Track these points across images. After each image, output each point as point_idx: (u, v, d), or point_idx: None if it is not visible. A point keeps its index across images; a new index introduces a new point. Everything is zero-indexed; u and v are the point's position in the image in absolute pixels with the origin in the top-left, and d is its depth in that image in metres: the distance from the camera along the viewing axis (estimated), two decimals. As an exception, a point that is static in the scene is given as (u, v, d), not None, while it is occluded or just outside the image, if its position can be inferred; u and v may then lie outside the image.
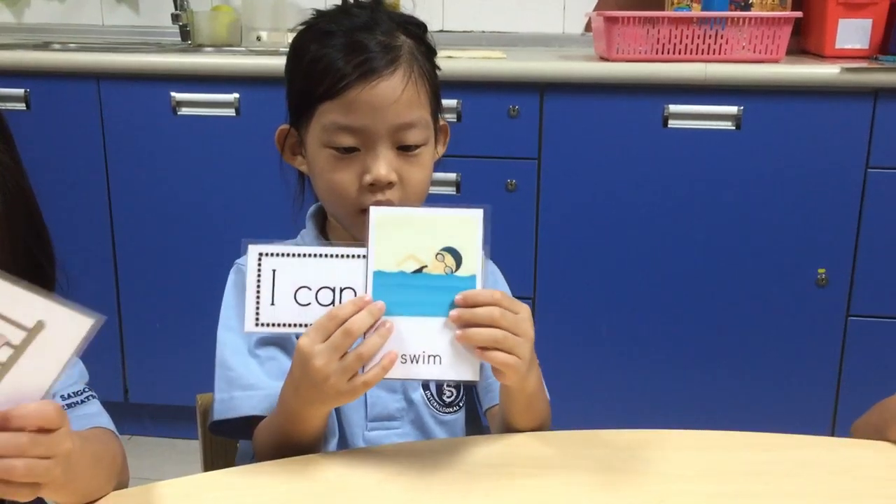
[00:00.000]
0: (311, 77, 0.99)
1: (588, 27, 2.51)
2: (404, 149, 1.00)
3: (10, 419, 0.63)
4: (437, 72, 1.06)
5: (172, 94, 2.10)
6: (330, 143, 0.99)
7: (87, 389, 0.93)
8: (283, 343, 1.02)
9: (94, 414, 0.91)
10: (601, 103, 2.03)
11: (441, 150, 1.09)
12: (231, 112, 2.11)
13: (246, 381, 0.98)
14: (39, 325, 0.61)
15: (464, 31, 2.55)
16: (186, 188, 2.16)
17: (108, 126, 2.13)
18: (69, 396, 0.90)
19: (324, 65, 0.98)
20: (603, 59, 2.12)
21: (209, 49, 2.51)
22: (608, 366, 2.16)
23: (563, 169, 2.06)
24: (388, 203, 0.98)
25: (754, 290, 2.09)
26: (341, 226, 1.05)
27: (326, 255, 0.81)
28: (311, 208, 1.11)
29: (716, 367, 2.14)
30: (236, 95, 2.09)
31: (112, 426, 0.92)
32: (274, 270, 0.80)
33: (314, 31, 1.02)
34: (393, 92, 0.98)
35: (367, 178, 0.98)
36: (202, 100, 2.11)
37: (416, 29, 1.04)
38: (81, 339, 0.63)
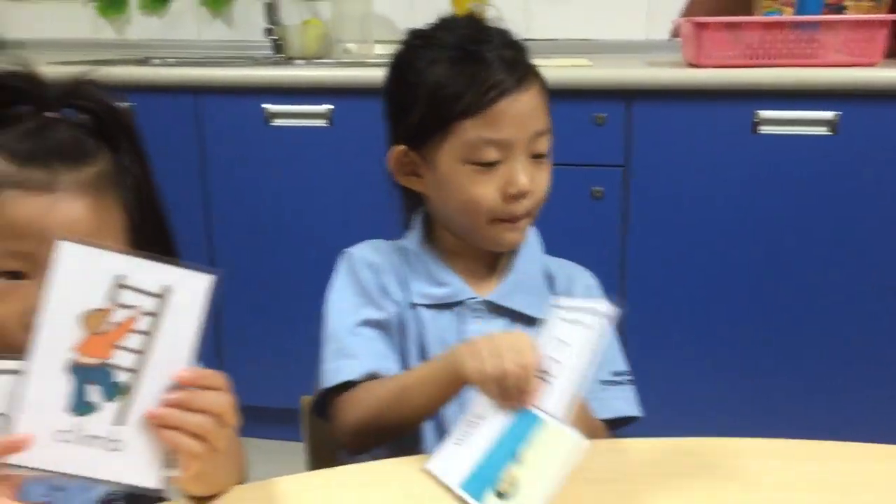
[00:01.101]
0: (442, 97, 1.01)
1: (674, 33, 2.49)
2: (536, 156, 1.04)
3: (192, 379, 0.66)
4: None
5: (265, 105, 2.17)
6: (473, 158, 1.02)
7: None
8: (384, 326, 1.06)
9: None
10: (689, 110, 2.01)
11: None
12: (323, 123, 2.16)
13: (350, 351, 1.03)
14: (168, 290, 0.64)
15: (548, 40, 2.56)
16: (280, 197, 2.23)
17: (205, 138, 2.22)
18: None
19: (460, 84, 1.00)
20: (691, 65, 2.10)
21: (300, 62, 2.58)
22: (699, 377, 2.13)
23: (652, 176, 2.04)
24: (523, 212, 1.04)
25: (851, 298, 2.04)
26: (467, 239, 1.08)
27: None
28: (421, 210, 1.14)
29: (805, 375, 2.09)
30: (329, 107, 2.15)
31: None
32: None
33: (429, 51, 1.04)
34: (530, 101, 1.02)
35: (512, 190, 1.02)
36: (295, 111, 2.17)
37: (518, 44, 1.06)
38: (206, 296, 0.65)
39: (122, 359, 0.64)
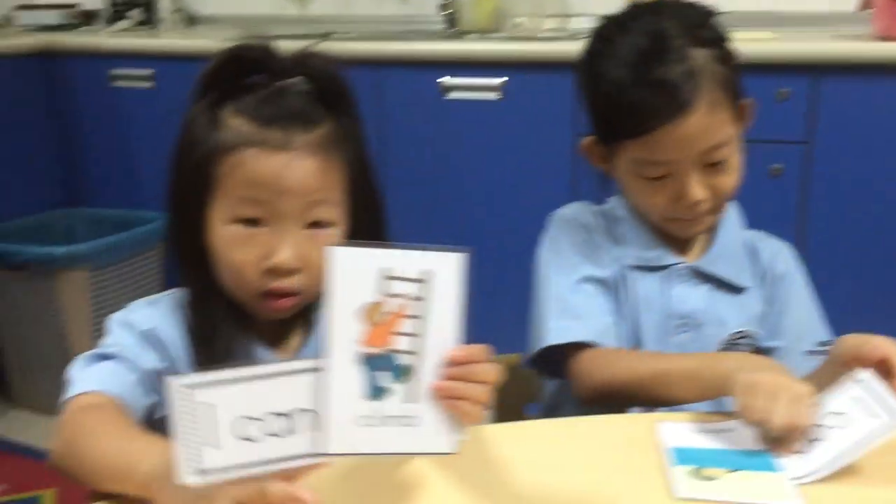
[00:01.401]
0: (610, 113, 1.04)
1: (863, 5, 2.37)
2: (713, 164, 1.03)
3: (463, 357, 0.71)
4: (733, 61, 1.06)
5: (441, 79, 2.23)
6: (639, 173, 1.05)
7: None
8: (604, 282, 1.10)
9: None
10: (880, 85, 1.92)
11: (742, 127, 1.09)
12: (496, 96, 2.20)
13: (576, 311, 1.08)
14: (428, 274, 0.68)
15: (731, 12, 2.48)
16: (455, 169, 2.29)
17: (384, 110, 2.30)
18: None
19: (624, 103, 1.01)
20: (883, 38, 2.00)
21: (473, 35, 2.63)
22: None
23: (836, 154, 1.97)
24: (700, 214, 1.05)
25: None
26: (658, 226, 1.11)
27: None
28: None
29: None
30: (502, 80, 2.18)
31: None
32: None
33: (608, 51, 1.04)
34: (697, 123, 1.00)
35: (682, 203, 1.04)
36: (469, 84, 2.23)
37: (705, 32, 1.04)
38: (462, 273, 0.69)
39: (400, 343, 0.69)
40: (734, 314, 1.11)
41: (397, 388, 0.70)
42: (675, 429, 0.91)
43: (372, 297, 0.68)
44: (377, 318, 0.68)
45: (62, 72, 2.72)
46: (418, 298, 0.69)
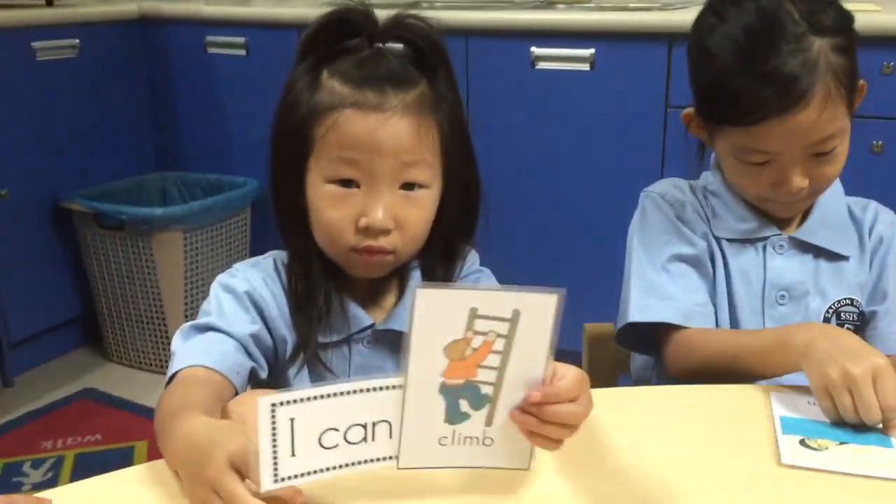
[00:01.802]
0: (715, 96, 1.01)
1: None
2: (818, 155, 1.00)
3: (544, 398, 0.71)
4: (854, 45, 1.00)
5: (532, 49, 2.22)
6: (739, 157, 1.02)
7: None
8: (695, 260, 1.09)
9: None
10: None
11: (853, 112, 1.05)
12: (586, 66, 2.18)
13: (663, 292, 1.07)
14: (518, 313, 0.67)
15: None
16: (544, 139, 2.28)
17: (471, 80, 2.30)
18: None
19: (732, 91, 0.97)
20: None
21: (562, 6, 2.60)
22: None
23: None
24: (797, 200, 1.03)
25: None
26: (754, 204, 1.09)
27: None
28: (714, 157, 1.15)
29: None
30: (591, 51, 2.16)
31: None
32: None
33: (718, 27, 1.00)
34: (809, 117, 0.95)
35: (779, 190, 1.01)
36: (559, 55, 2.21)
37: (828, 18, 0.97)
38: (554, 313, 0.68)
39: (484, 375, 0.70)
40: (836, 283, 1.09)
41: (477, 414, 0.71)
42: (787, 399, 0.89)
43: (458, 335, 0.67)
44: (462, 354, 0.68)
45: (160, 38, 2.80)
46: (505, 336, 0.68)
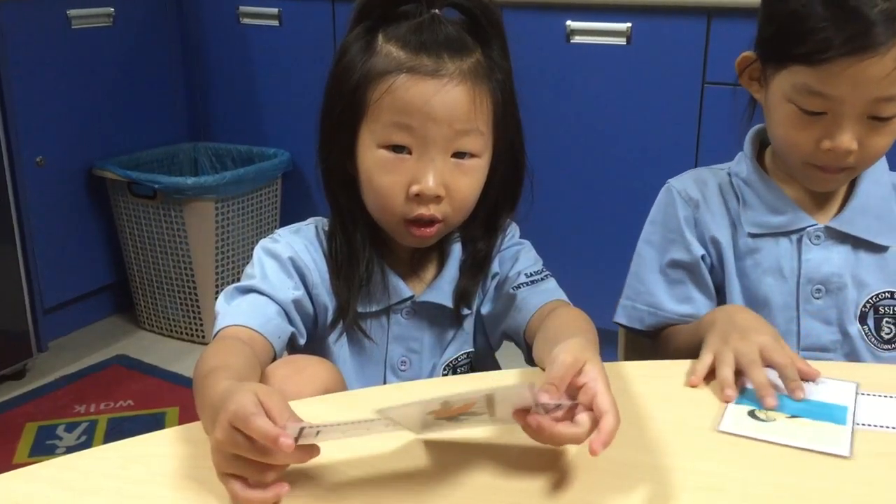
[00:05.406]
0: (788, 30, 0.96)
1: None
2: (876, 118, 0.95)
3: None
4: None
5: (568, 22, 2.19)
6: (796, 101, 0.97)
7: (544, 270, 1.06)
8: (692, 269, 1.08)
9: (552, 289, 1.04)
10: None
11: None
12: (622, 41, 2.15)
13: (652, 299, 1.09)
14: (490, 398, 0.68)
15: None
16: (577, 114, 2.26)
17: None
18: (532, 275, 1.03)
19: (807, 26, 0.93)
20: None
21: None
22: None
23: None
24: (843, 167, 0.99)
25: None
26: (789, 172, 1.06)
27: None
28: (752, 132, 1.12)
29: None
30: (627, 25, 2.13)
31: (566, 299, 1.03)
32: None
33: None
34: (881, 68, 0.91)
35: (827, 146, 0.96)
36: (594, 28, 2.18)
37: None
38: (533, 399, 0.69)
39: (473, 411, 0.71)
40: (876, 274, 1.05)
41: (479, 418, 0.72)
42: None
43: (434, 410, 0.68)
44: (446, 411, 0.68)
45: (193, 8, 2.80)
46: (488, 407, 0.70)
